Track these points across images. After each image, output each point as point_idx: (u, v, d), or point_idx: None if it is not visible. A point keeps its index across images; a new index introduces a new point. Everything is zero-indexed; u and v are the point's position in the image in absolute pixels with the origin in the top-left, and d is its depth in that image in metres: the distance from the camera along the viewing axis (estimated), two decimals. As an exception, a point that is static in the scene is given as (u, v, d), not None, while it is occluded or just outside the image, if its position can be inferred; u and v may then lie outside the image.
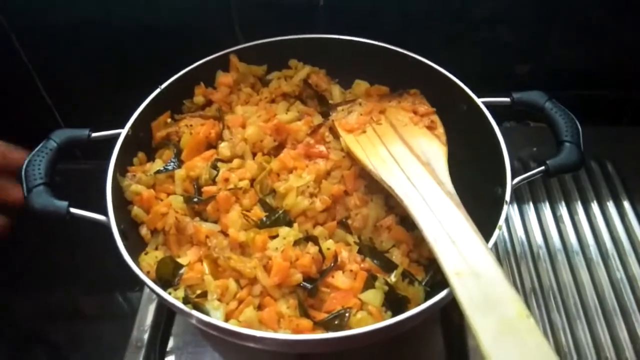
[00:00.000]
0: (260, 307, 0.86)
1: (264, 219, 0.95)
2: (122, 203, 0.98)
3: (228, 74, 1.16)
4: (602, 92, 1.35)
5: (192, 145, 1.04)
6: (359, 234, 0.98)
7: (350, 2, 1.25)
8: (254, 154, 1.05)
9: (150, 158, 1.07)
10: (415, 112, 1.08)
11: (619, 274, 1.14)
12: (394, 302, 0.88)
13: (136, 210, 0.97)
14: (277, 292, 0.88)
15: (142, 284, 0.84)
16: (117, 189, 0.96)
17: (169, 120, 1.10)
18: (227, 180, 0.99)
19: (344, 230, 0.98)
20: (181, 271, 0.90)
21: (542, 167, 0.93)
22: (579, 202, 1.27)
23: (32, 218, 0.91)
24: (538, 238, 1.22)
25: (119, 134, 1.00)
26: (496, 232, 0.86)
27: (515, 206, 1.28)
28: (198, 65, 1.12)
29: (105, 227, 0.88)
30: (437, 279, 0.94)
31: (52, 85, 1.38)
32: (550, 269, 1.16)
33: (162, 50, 1.25)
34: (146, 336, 1.07)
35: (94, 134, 0.99)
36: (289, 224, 0.94)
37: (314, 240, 0.92)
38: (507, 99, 1.03)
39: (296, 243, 0.90)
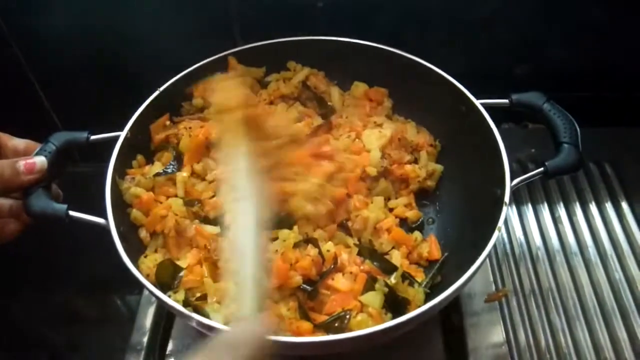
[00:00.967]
0: (260, 310, 0.86)
1: None
2: (121, 206, 0.98)
3: (227, 74, 1.16)
4: (601, 94, 1.35)
5: (192, 148, 1.04)
6: (358, 236, 0.98)
7: (349, 3, 1.25)
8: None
9: (149, 161, 1.07)
10: None
11: (618, 274, 1.14)
12: (394, 304, 0.88)
13: (135, 213, 0.97)
14: (277, 295, 0.88)
15: (142, 287, 0.83)
16: (116, 192, 0.96)
17: (167, 122, 1.10)
18: None
19: (344, 233, 0.98)
20: (181, 274, 0.90)
21: (541, 169, 0.94)
22: (578, 204, 1.28)
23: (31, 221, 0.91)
24: (537, 239, 1.22)
25: (117, 137, 0.99)
26: (495, 234, 0.86)
27: (514, 208, 1.28)
28: (196, 67, 1.12)
29: (105, 230, 0.87)
30: (436, 281, 0.95)
31: (50, 88, 1.38)
32: (549, 270, 1.16)
33: (161, 52, 1.25)
34: (145, 339, 1.06)
35: (92, 137, 0.99)
36: (290, 227, 0.94)
37: (314, 242, 0.92)
38: (506, 101, 1.03)
39: (296, 245, 0.90)
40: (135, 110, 1.04)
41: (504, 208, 0.88)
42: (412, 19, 1.26)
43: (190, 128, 1.07)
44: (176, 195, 1.01)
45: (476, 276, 0.83)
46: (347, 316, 0.84)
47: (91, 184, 0.95)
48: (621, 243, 1.19)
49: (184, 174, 1.02)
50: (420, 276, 0.94)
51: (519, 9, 1.25)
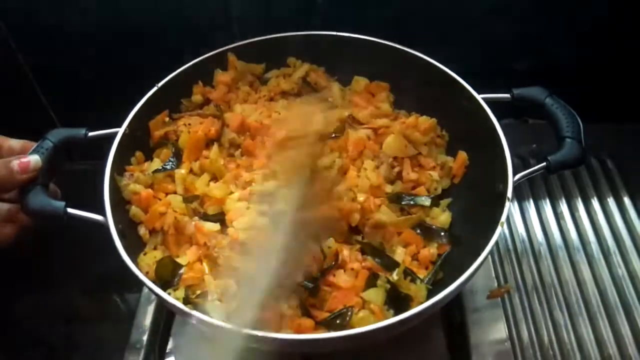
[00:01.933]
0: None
1: None
2: (120, 203, 0.97)
3: (226, 72, 1.15)
4: (603, 88, 1.34)
5: (191, 144, 1.03)
6: (369, 238, 0.97)
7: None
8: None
9: (148, 157, 1.06)
10: None
11: (621, 270, 1.14)
12: (396, 300, 0.87)
13: (134, 210, 0.96)
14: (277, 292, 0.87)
15: (141, 284, 0.83)
16: (115, 189, 0.95)
17: (167, 119, 1.09)
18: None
19: (349, 231, 0.97)
20: (180, 271, 0.89)
21: (544, 163, 0.93)
22: (580, 199, 1.27)
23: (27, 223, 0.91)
24: (539, 235, 1.21)
25: (115, 133, 0.98)
26: (498, 229, 0.85)
27: (516, 203, 1.27)
28: (195, 63, 1.11)
29: (103, 227, 0.87)
30: (438, 277, 0.94)
31: (47, 84, 1.37)
32: (551, 266, 1.16)
33: (159, 48, 1.24)
34: (145, 337, 1.06)
35: (90, 133, 0.98)
36: None
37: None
38: (507, 95, 1.03)
39: None
40: (134, 107, 1.03)
41: (507, 203, 0.88)
42: (413, 14, 1.26)
43: (189, 124, 1.06)
44: (175, 192, 1.00)
45: (478, 272, 0.83)
46: (349, 313, 0.83)
47: (89, 181, 0.94)
48: (624, 238, 1.19)
49: (182, 170, 1.01)
50: (422, 272, 0.93)
51: (521, 3, 1.24)
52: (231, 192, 0.99)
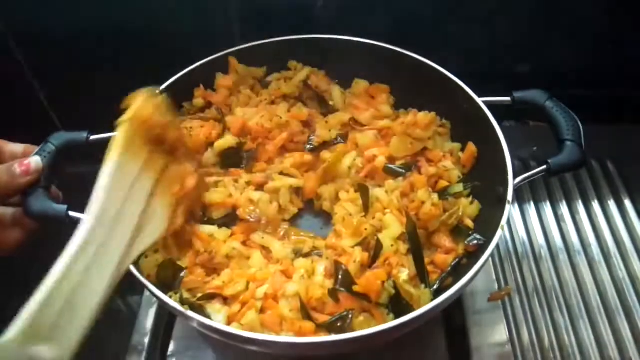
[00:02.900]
0: (262, 310, 0.86)
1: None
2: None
3: (227, 76, 1.16)
4: (603, 91, 1.34)
5: (192, 148, 1.03)
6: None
7: (350, 2, 1.24)
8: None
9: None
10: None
11: (621, 272, 1.14)
12: (398, 306, 0.87)
13: None
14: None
15: (143, 287, 0.83)
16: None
17: None
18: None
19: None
20: (182, 274, 0.90)
21: (544, 166, 0.93)
22: (580, 201, 1.27)
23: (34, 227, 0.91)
24: (540, 237, 1.21)
25: (117, 137, 0.98)
26: (499, 232, 0.85)
27: (517, 206, 1.27)
28: (195, 67, 1.11)
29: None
30: (446, 283, 0.93)
31: (50, 88, 1.38)
32: (552, 269, 1.16)
33: (160, 52, 1.24)
34: (147, 340, 1.06)
35: (92, 137, 0.98)
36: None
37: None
38: (508, 98, 1.03)
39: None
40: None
41: (507, 206, 0.88)
42: (413, 18, 1.26)
43: (191, 128, 1.06)
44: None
45: (479, 275, 0.83)
46: (350, 316, 0.83)
47: (91, 184, 0.94)
48: (624, 241, 1.19)
49: None
50: (434, 277, 0.92)
51: (521, 7, 1.25)
52: (230, 195, 1.00)
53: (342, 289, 0.84)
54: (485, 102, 1.02)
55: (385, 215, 0.94)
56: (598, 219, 1.23)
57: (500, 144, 0.95)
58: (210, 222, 0.99)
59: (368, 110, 1.13)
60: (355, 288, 0.84)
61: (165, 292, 0.84)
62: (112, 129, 0.99)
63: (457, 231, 0.96)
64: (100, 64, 1.31)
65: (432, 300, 0.85)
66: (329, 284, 0.86)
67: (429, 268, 0.93)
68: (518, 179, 0.92)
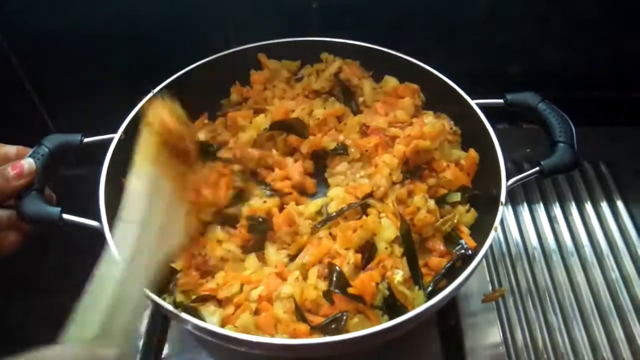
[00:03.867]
0: (256, 312, 0.86)
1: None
2: (116, 208, 0.97)
3: (261, 71, 1.17)
4: (595, 93, 1.35)
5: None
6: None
7: (344, 3, 1.25)
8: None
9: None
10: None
11: (614, 274, 1.14)
12: (392, 307, 0.87)
13: None
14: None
15: (137, 290, 0.83)
16: (110, 195, 0.95)
17: (206, 121, 1.13)
18: None
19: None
20: (176, 276, 0.89)
21: (537, 168, 0.94)
22: (573, 203, 1.28)
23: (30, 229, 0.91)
24: (533, 239, 1.22)
25: (111, 139, 0.99)
26: (492, 234, 0.86)
27: (510, 207, 1.28)
28: (191, 68, 1.11)
29: (99, 233, 0.87)
30: (440, 285, 0.93)
31: (43, 90, 1.37)
32: (545, 270, 1.16)
33: (155, 55, 1.25)
34: (141, 343, 1.06)
35: (86, 139, 0.98)
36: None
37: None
38: (501, 100, 1.04)
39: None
40: (130, 113, 1.03)
41: (500, 208, 0.88)
42: (407, 20, 1.26)
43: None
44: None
45: (473, 276, 0.83)
46: (344, 318, 0.83)
47: (85, 187, 0.94)
48: (617, 242, 1.19)
49: None
50: (428, 279, 0.93)
51: (514, 9, 1.25)
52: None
53: (337, 291, 0.84)
54: (478, 104, 1.02)
55: (381, 219, 0.95)
56: (591, 221, 1.24)
57: (494, 145, 0.96)
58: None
59: (383, 117, 1.08)
60: (350, 290, 0.84)
61: (159, 295, 0.84)
62: (105, 131, 1.00)
63: (450, 238, 0.96)
64: (94, 66, 1.31)
65: (426, 301, 0.85)
66: (324, 285, 0.86)
67: (423, 270, 0.93)
68: (511, 181, 0.92)
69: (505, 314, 1.09)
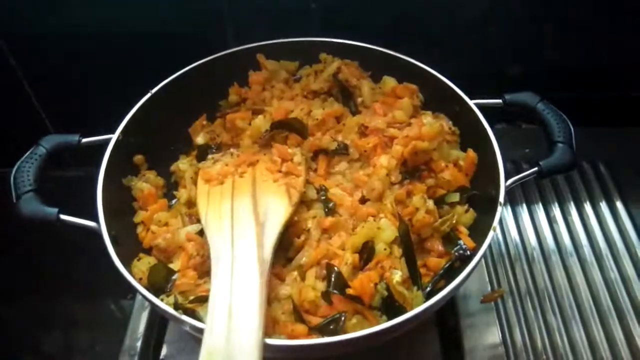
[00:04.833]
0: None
1: None
2: (113, 209, 0.97)
3: (259, 72, 1.16)
4: (594, 93, 1.35)
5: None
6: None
7: (342, 4, 1.25)
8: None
9: (149, 160, 1.07)
10: (279, 170, 1.01)
11: (613, 274, 1.14)
12: (390, 308, 0.87)
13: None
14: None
15: (135, 291, 0.83)
16: (108, 195, 0.95)
17: (205, 122, 1.13)
18: None
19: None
20: (174, 277, 0.89)
21: (536, 168, 0.93)
22: (572, 203, 1.28)
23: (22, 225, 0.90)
24: (532, 239, 1.22)
25: (109, 140, 0.99)
26: (490, 234, 0.85)
27: (509, 208, 1.28)
28: (189, 69, 1.11)
29: (97, 234, 0.86)
30: (438, 286, 0.93)
31: (41, 90, 1.37)
32: (544, 270, 1.16)
33: (153, 55, 1.24)
34: (139, 344, 1.06)
35: (84, 140, 0.98)
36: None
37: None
38: (499, 101, 1.03)
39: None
40: (127, 113, 1.03)
41: (499, 208, 0.88)
42: (405, 20, 1.26)
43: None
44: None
45: (472, 277, 0.83)
46: (343, 318, 0.83)
47: (83, 187, 0.94)
48: (616, 242, 1.19)
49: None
50: (427, 279, 0.92)
51: (512, 10, 1.25)
52: None
53: (335, 291, 0.84)
54: (476, 104, 1.02)
55: (380, 219, 0.94)
56: (590, 221, 1.24)
57: (492, 145, 0.96)
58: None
59: (381, 117, 1.07)
60: (349, 290, 0.84)
61: (157, 296, 0.83)
62: (104, 132, 1.00)
63: (449, 239, 0.95)
64: (93, 66, 1.31)
65: (424, 302, 0.85)
66: (322, 286, 0.86)
67: (422, 271, 0.92)
68: (510, 181, 0.92)
69: (504, 314, 1.09)
